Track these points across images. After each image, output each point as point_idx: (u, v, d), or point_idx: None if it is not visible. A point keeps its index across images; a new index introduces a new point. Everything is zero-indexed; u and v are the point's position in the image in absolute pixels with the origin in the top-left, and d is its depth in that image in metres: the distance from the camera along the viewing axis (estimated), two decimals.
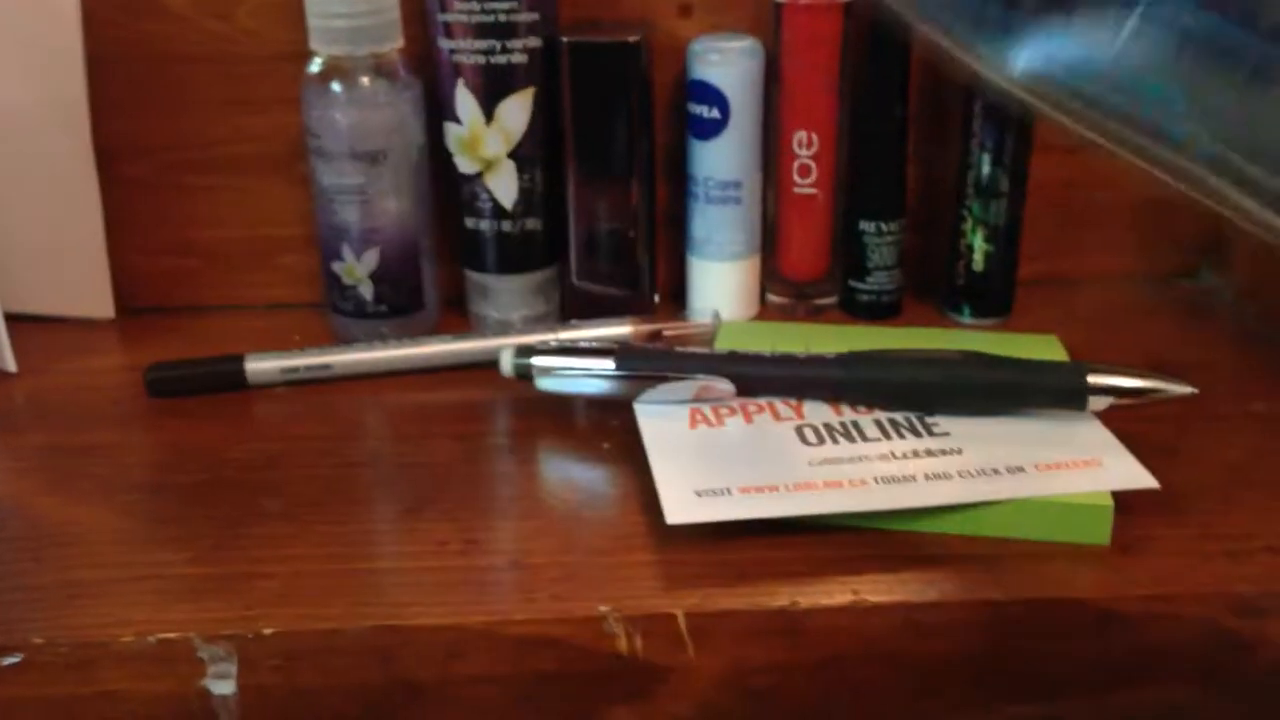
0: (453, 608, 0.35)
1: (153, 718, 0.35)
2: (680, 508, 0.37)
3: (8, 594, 0.36)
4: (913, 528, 0.38)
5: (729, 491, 0.38)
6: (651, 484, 0.39)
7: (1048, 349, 0.47)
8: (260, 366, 0.48)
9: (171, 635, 0.34)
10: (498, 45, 0.48)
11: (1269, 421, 0.45)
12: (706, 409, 0.43)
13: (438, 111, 0.51)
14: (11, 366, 0.50)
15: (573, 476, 0.43)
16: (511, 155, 0.50)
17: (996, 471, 0.38)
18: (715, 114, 0.50)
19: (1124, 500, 0.37)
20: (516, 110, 0.50)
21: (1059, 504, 0.37)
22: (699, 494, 0.38)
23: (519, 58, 0.49)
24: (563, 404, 0.46)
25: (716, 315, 0.51)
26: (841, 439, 0.41)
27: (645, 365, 0.44)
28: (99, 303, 0.55)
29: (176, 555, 0.38)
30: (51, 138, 0.52)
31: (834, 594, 0.35)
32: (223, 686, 0.35)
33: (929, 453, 0.40)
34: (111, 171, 0.53)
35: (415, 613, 0.35)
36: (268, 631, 0.34)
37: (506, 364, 0.45)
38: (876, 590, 0.36)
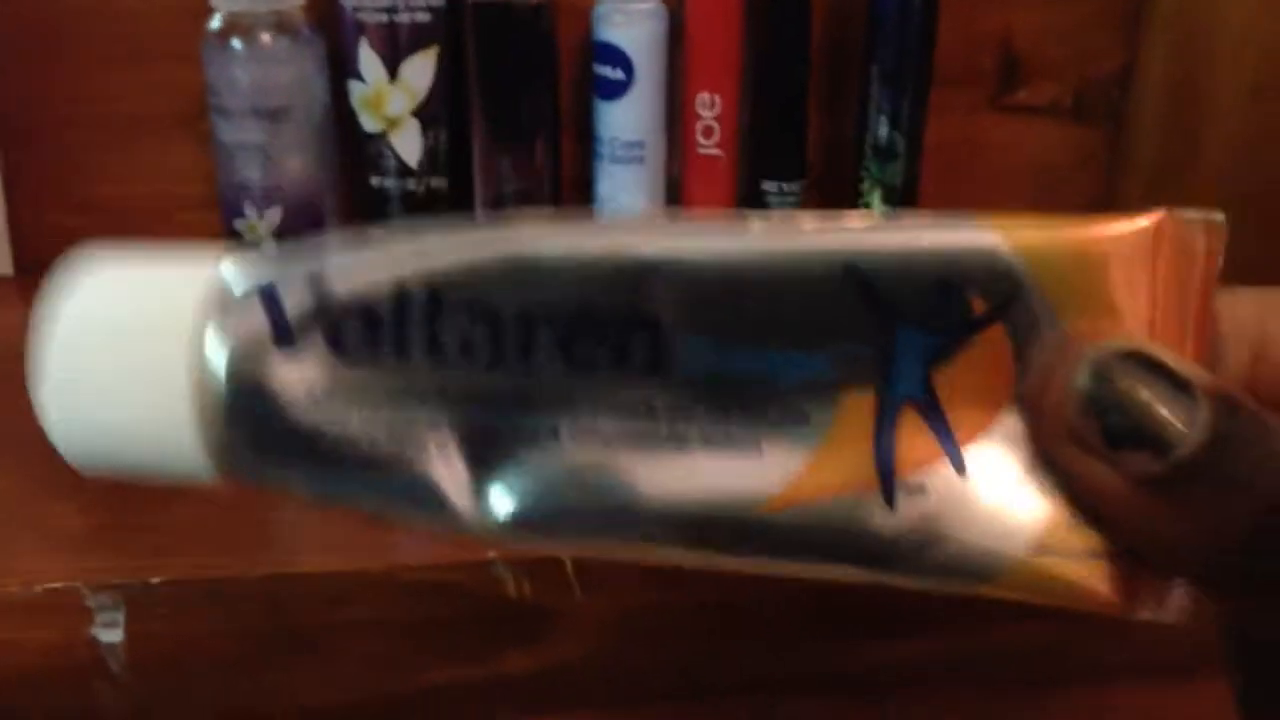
0: (342, 554, 0.36)
1: (40, 667, 0.35)
2: None
3: None
4: None
5: None
6: None
7: None
8: None
9: (59, 584, 0.34)
10: (401, 3, 0.48)
11: None
12: None
13: (341, 69, 0.51)
14: None
15: None
16: (416, 114, 0.50)
17: None
18: (620, 75, 0.51)
19: None
20: (421, 69, 0.50)
21: None
22: None
23: (423, 16, 0.49)
24: None
25: None
26: None
27: None
28: None
29: (61, 506, 0.38)
30: None
31: None
32: (111, 635, 0.35)
33: None
34: (8, 126, 0.53)
35: (304, 560, 0.35)
36: (155, 580, 0.34)
37: None
38: None
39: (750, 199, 0.54)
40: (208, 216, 0.54)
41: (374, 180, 0.52)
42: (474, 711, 0.39)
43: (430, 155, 0.51)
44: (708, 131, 0.52)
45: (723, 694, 0.40)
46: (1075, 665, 0.39)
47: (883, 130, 0.51)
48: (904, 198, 0.53)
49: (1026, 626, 0.38)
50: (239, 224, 0.51)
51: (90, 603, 0.34)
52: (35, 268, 0.55)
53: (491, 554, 0.35)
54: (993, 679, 0.40)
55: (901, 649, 0.38)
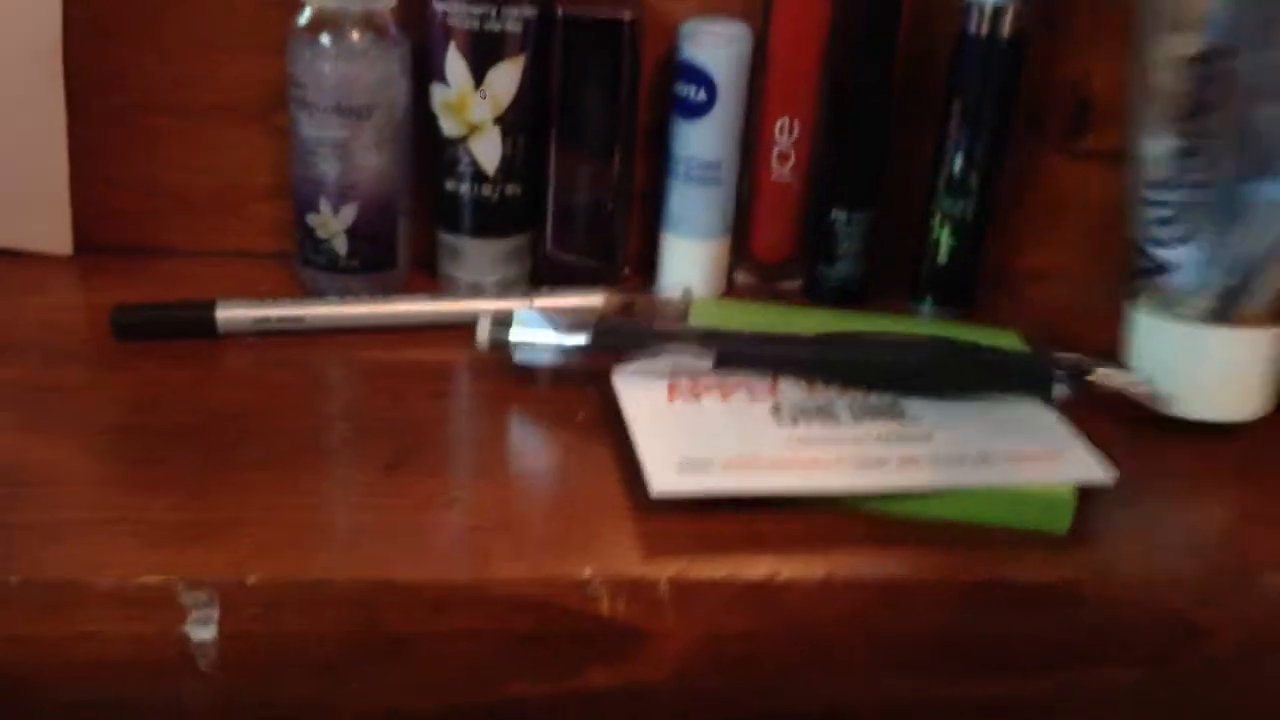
0: (438, 564, 0.36)
1: (129, 660, 0.35)
2: (664, 479, 0.38)
3: None
4: (885, 508, 0.39)
5: (711, 465, 0.39)
6: (630, 453, 0.40)
7: (1009, 342, 0.49)
8: (231, 314, 0.48)
9: (154, 579, 0.34)
10: (492, 12, 0.48)
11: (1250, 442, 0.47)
12: (684, 384, 0.44)
13: (424, 72, 0.51)
14: None
15: (551, 443, 0.43)
16: (497, 121, 0.50)
17: (964, 459, 0.40)
18: (702, 95, 0.51)
19: (1085, 490, 0.39)
20: (506, 77, 0.50)
21: (1025, 493, 0.39)
22: (682, 466, 0.39)
23: (513, 26, 0.49)
24: (536, 371, 0.47)
25: (688, 291, 0.52)
26: (816, 419, 0.42)
27: (622, 339, 0.45)
28: (58, 238, 0.54)
29: (156, 500, 0.38)
30: (20, 65, 0.50)
31: (811, 569, 0.37)
32: (203, 632, 0.35)
33: (900, 438, 0.41)
34: (80, 105, 0.52)
35: (401, 567, 0.35)
36: (252, 579, 0.34)
37: (483, 335, 0.45)
38: (850, 566, 0.37)
39: (818, 226, 0.54)
40: (275, 209, 0.54)
41: (449, 184, 0.52)
42: None
43: (507, 162, 0.51)
44: (783, 157, 0.53)
45: None
46: (1155, 713, 0.40)
47: (958, 166, 0.52)
48: (973, 234, 0.53)
49: (1104, 671, 0.38)
50: (311, 219, 0.51)
51: (185, 600, 0.34)
52: (92, 248, 0.55)
53: (587, 572, 0.35)
54: None
55: (989, 685, 0.38)
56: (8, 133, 0.51)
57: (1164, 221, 0.44)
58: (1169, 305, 0.45)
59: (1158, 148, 0.44)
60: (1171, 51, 0.43)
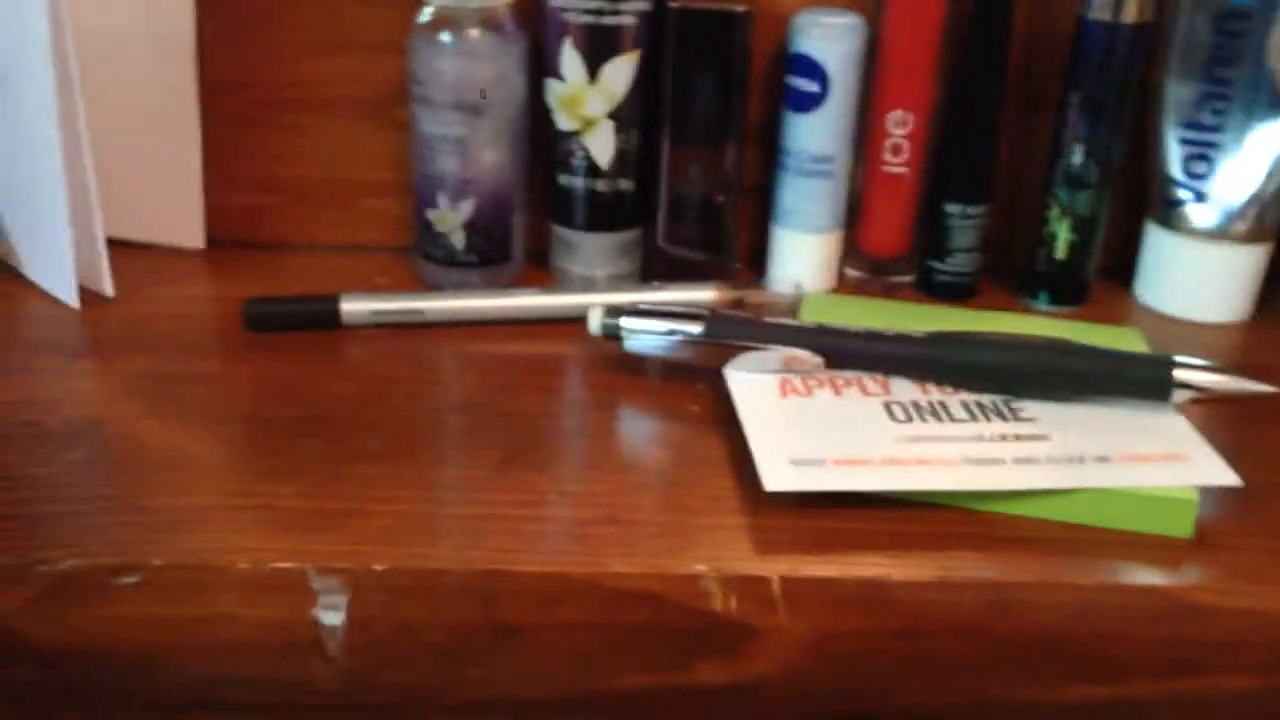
0: (553, 556, 0.37)
1: (261, 643, 0.36)
2: (777, 476, 0.38)
3: (121, 515, 0.38)
4: (998, 509, 0.39)
5: (823, 463, 0.39)
6: (742, 449, 0.40)
7: (1129, 341, 0.48)
8: (355, 307, 0.49)
9: (286, 564, 0.36)
10: (607, 6, 0.49)
11: None
12: (796, 380, 0.44)
13: (540, 67, 0.51)
14: (109, 290, 0.51)
15: (663, 437, 0.44)
16: (611, 115, 0.51)
17: (1082, 459, 0.39)
18: (814, 87, 0.51)
19: (1206, 495, 0.38)
20: (621, 72, 0.50)
21: (1145, 496, 0.38)
22: (794, 463, 0.39)
23: (628, 20, 0.49)
24: (647, 364, 0.47)
25: (799, 286, 0.52)
26: (929, 418, 0.42)
27: (735, 333, 0.45)
28: (190, 232, 0.56)
29: (283, 487, 0.39)
30: (157, 67, 0.53)
31: (923, 569, 0.36)
32: (332, 617, 0.36)
33: (1016, 437, 0.41)
34: (209, 105, 0.54)
35: (518, 559, 0.36)
36: (379, 567, 0.36)
37: (595, 323, 0.46)
38: (962, 567, 0.37)
39: (932, 219, 0.54)
40: (394, 204, 0.56)
41: (563, 179, 0.52)
42: (665, 717, 0.40)
43: (621, 156, 0.52)
44: (896, 149, 0.52)
45: None
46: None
47: (1077, 158, 0.51)
48: (1090, 228, 0.52)
49: (1217, 681, 0.38)
50: (431, 214, 0.52)
51: (315, 584, 0.36)
52: (221, 243, 0.57)
53: (700, 568, 0.36)
54: None
55: (1098, 691, 0.38)
56: (146, 132, 0.54)
57: (1192, 158, 0.51)
58: (1190, 227, 0.53)
59: (1187, 92, 0.52)
60: (1203, 7, 0.50)
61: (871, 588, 0.36)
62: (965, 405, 0.43)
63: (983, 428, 0.41)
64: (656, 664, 0.37)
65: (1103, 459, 0.39)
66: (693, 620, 0.36)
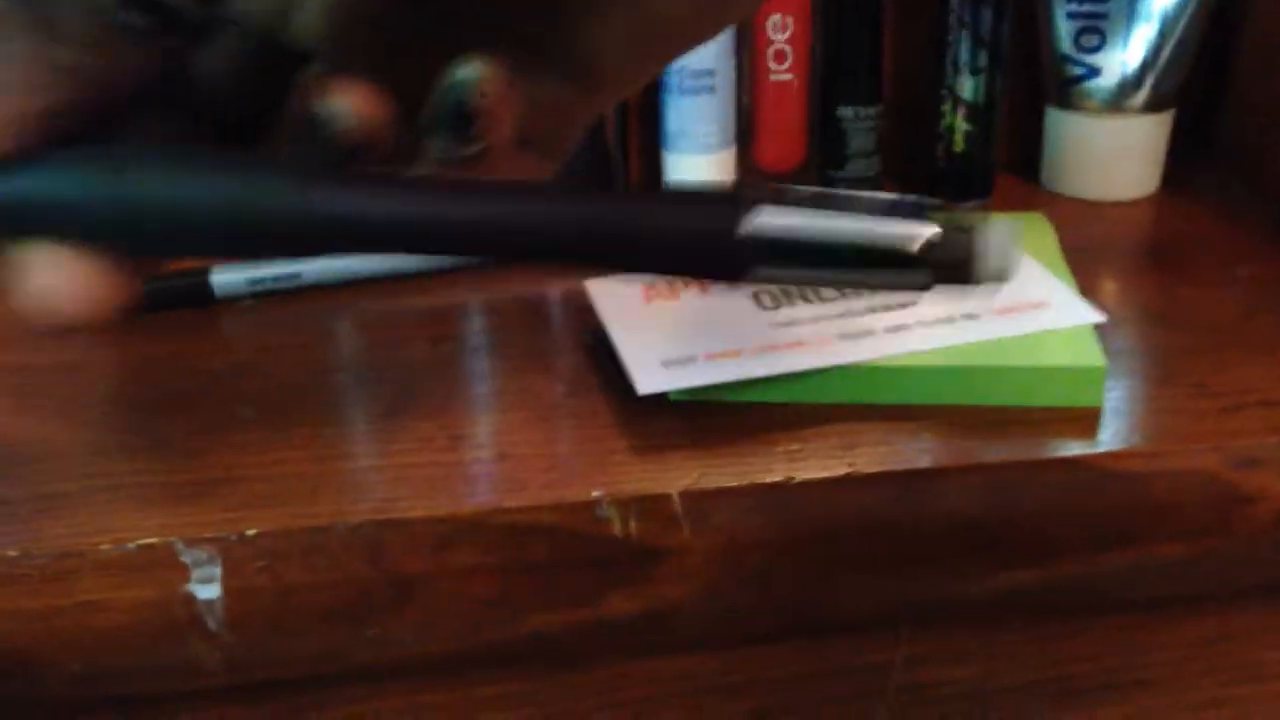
0: (441, 500, 0.34)
1: (136, 626, 0.34)
2: (650, 378, 0.36)
3: None
4: (903, 400, 0.37)
5: (695, 359, 0.37)
6: (616, 362, 0.39)
7: (1038, 229, 0.46)
8: (227, 279, 0.47)
9: (152, 540, 0.33)
10: None
11: (1254, 284, 0.45)
12: (660, 283, 0.42)
13: None
14: None
15: (552, 368, 0.42)
16: None
17: (951, 319, 0.38)
18: None
19: (1114, 364, 0.37)
20: None
21: (1049, 369, 0.36)
22: (665, 364, 0.37)
23: None
24: (537, 300, 0.45)
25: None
26: (799, 301, 0.41)
27: None
28: None
29: (151, 465, 0.37)
30: None
31: (829, 467, 0.35)
32: (208, 590, 0.34)
33: (885, 307, 0.40)
34: None
35: (403, 506, 0.34)
36: (251, 532, 0.33)
37: None
38: (870, 461, 0.35)
39: (825, 125, 0.52)
40: None
41: None
42: (579, 656, 0.38)
43: None
44: (779, 56, 0.50)
45: (836, 631, 0.39)
46: (1203, 587, 0.38)
47: (965, 45, 0.49)
48: (987, 116, 0.51)
49: (1150, 549, 0.36)
50: None
51: (185, 558, 0.33)
52: None
53: (596, 493, 0.34)
54: (1119, 604, 0.39)
55: (1017, 577, 0.36)
56: None
57: (1083, 31, 0.51)
58: (1089, 104, 0.52)
59: None
60: None
61: (776, 492, 0.34)
62: None
63: (851, 304, 0.40)
64: (562, 600, 0.35)
65: (971, 316, 0.38)
66: (594, 549, 0.34)
